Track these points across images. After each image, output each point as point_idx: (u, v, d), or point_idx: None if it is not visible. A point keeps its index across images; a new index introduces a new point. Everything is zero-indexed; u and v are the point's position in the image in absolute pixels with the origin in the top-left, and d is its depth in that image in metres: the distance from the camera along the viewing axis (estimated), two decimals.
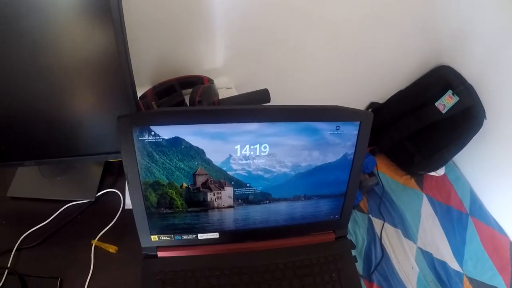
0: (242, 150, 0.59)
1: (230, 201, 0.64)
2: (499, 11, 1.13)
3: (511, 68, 1.15)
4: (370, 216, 1.24)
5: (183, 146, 0.57)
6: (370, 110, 1.35)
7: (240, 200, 0.64)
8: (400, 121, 1.31)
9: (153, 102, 0.85)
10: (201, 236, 0.67)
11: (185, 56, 0.92)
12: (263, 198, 0.65)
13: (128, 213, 0.77)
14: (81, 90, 0.65)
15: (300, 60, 1.09)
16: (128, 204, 0.78)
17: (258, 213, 0.66)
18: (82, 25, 0.56)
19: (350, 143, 0.63)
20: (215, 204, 0.64)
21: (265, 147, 0.59)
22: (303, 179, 0.64)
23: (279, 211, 0.67)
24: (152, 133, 0.56)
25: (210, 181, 0.61)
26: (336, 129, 0.61)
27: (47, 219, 0.76)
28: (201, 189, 0.62)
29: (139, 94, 0.88)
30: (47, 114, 0.67)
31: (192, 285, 0.63)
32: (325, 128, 0.60)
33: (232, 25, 0.90)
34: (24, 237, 0.73)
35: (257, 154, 0.60)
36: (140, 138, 0.56)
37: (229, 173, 0.61)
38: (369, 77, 1.27)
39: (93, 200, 0.79)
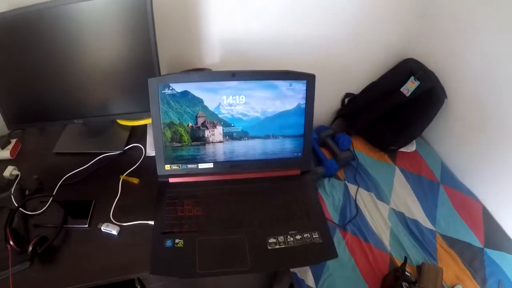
0: (227, 99, 1.07)
1: (220, 137, 1.12)
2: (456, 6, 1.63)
3: (465, 55, 1.62)
4: (346, 182, 1.67)
5: (189, 96, 1.05)
6: (346, 99, 1.89)
7: (227, 137, 1.12)
8: (372, 106, 1.79)
9: None
10: (200, 166, 1.15)
11: (191, 54, 1.44)
12: (243, 135, 1.12)
13: (147, 160, 1.26)
14: (119, 66, 1.16)
15: (285, 56, 1.58)
16: (148, 152, 1.26)
17: (240, 148, 1.14)
18: (123, 17, 1.06)
19: (301, 96, 1.10)
20: (211, 139, 1.11)
21: (242, 98, 1.07)
22: (270, 122, 1.12)
23: (255, 146, 1.14)
24: (170, 88, 1.04)
25: (207, 122, 1.10)
26: (290, 86, 1.09)
27: (86, 165, 1.23)
28: (201, 127, 1.10)
29: None
30: (92, 83, 1.18)
31: (191, 199, 1.10)
32: (282, 85, 1.08)
33: (225, 31, 1.42)
34: (67, 177, 1.19)
35: (237, 102, 1.08)
36: (162, 92, 1.04)
37: (219, 116, 1.09)
38: (345, 71, 1.79)
39: (122, 151, 1.28)
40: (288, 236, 1.04)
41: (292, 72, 1.09)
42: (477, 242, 1.57)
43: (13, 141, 1.29)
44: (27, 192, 1.16)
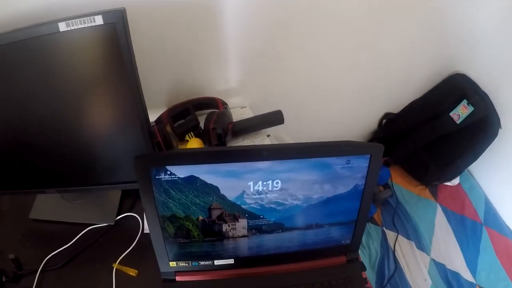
0: (255, 186, 0.62)
1: (244, 231, 0.68)
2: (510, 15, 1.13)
3: None
4: (384, 228, 1.27)
5: (198, 184, 0.61)
6: (384, 120, 1.40)
7: (254, 230, 0.68)
8: (415, 131, 1.33)
9: (168, 126, 0.89)
10: (217, 262, 0.71)
11: (198, 78, 0.95)
12: (276, 227, 0.68)
13: (147, 237, 0.80)
14: (98, 124, 0.70)
15: (314, 75, 1.11)
16: (147, 228, 0.82)
17: (271, 241, 0.70)
18: (90, 59, 0.60)
19: (360, 175, 0.66)
20: (230, 234, 0.68)
21: (277, 183, 0.63)
22: (315, 210, 0.67)
23: (291, 238, 0.70)
24: (168, 172, 0.60)
25: (225, 214, 0.65)
26: (347, 163, 0.64)
27: (69, 242, 0.80)
28: (216, 221, 0.66)
29: (155, 116, 0.93)
30: (66, 146, 0.71)
31: None
32: (336, 162, 0.63)
33: (244, 48, 0.93)
34: (48, 259, 0.78)
35: (270, 189, 0.63)
36: (157, 177, 0.60)
37: (243, 206, 0.64)
38: (382, 88, 1.28)
39: (112, 224, 0.84)
40: None
41: (351, 144, 0.63)
42: None
43: None
44: (3, 279, 0.75)
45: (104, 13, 0.55)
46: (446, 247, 1.25)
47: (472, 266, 1.23)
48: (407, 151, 1.35)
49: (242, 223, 0.67)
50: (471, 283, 1.20)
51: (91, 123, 0.70)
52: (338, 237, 0.73)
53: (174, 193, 0.62)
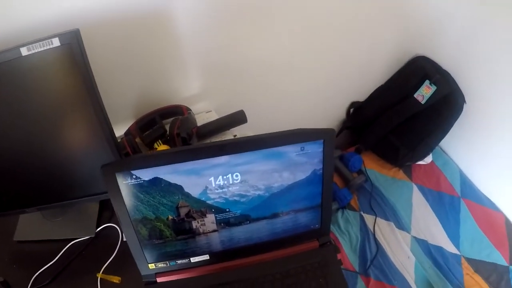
0: (216, 181, 0.66)
1: (213, 226, 0.71)
2: None
3: (485, 51, 1.21)
4: (362, 213, 1.30)
5: (162, 185, 0.65)
6: (351, 109, 1.44)
7: (222, 224, 0.72)
8: (382, 116, 1.37)
9: (137, 137, 0.93)
10: (193, 259, 0.75)
11: (162, 88, 0.99)
12: (243, 219, 0.72)
13: (127, 245, 0.85)
14: (67, 142, 0.74)
15: (275, 73, 1.15)
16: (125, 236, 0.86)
17: (241, 233, 0.73)
18: (52, 80, 0.64)
19: (317, 160, 0.70)
20: (201, 230, 0.71)
21: (236, 176, 0.67)
22: (278, 198, 0.71)
23: (260, 228, 0.74)
24: (134, 176, 0.63)
25: (192, 211, 0.69)
26: (302, 150, 0.68)
27: (54, 259, 0.84)
28: (185, 219, 0.69)
29: (124, 128, 0.97)
30: (40, 165, 0.75)
31: None
32: (291, 150, 0.67)
33: (201, 55, 0.97)
34: (35, 277, 0.81)
35: (231, 182, 0.67)
36: (124, 182, 0.64)
37: (208, 202, 0.68)
38: (347, 78, 1.33)
39: (93, 236, 0.87)
40: None
41: (304, 131, 0.68)
42: (503, 261, 1.26)
43: None
44: None
45: (60, 35, 0.59)
46: (426, 223, 1.29)
47: (454, 238, 1.27)
48: (377, 136, 1.39)
49: (210, 218, 0.70)
50: (455, 254, 1.24)
51: (60, 141, 0.74)
52: (307, 222, 0.77)
53: (142, 195, 0.65)
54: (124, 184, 0.64)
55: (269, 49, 1.08)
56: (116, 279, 0.80)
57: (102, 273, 0.81)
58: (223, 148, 0.64)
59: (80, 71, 0.63)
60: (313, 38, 1.14)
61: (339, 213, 1.30)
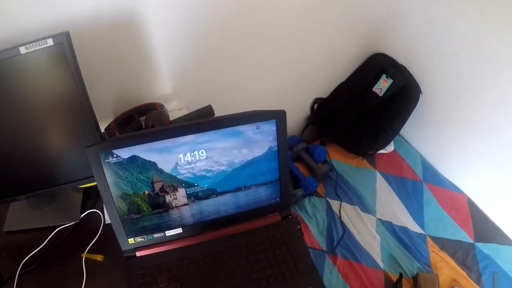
0: (184, 158, 0.82)
1: (184, 200, 0.87)
2: None
3: (437, 45, 1.41)
4: (328, 199, 1.46)
5: (139, 162, 0.80)
6: (315, 105, 1.63)
7: (192, 198, 0.87)
8: (344, 110, 1.55)
9: (116, 132, 1.09)
10: (168, 233, 0.90)
11: (138, 87, 1.15)
12: (211, 193, 0.88)
13: (108, 227, 0.99)
14: (54, 131, 0.89)
15: (244, 73, 1.33)
16: (108, 219, 1.00)
17: (209, 206, 0.89)
18: (46, 75, 0.79)
19: (272, 138, 0.86)
20: (173, 204, 0.87)
21: (202, 152, 0.83)
22: (240, 173, 0.87)
23: (226, 202, 0.90)
24: (114, 155, 0.78)
25: (165, 186, 0.84)
26: (257, 129, 0.84)
27: (42, 244, 0.97)
28: (160, 193, 0.84)
29: (104, 126, 1.12)
30: (29, 155, 0.90)
31: (166, 274, 0.85)
32: (247, 129, 0.83)
33: (170, 56, 1.13)
34: (24, 262, 0.94)
35: (197, 159, 0.83)
36: (106, 161, 0.78)
37: (179, 177, 0.84)
38: (311, 76, 1.52)
39: (78, 221, 1.02)
40: None
41: (257, 113, 0.84)
42: (467, 238, 1.43)
43: None
44: None
45: (54, 36, 0.75)
46: (391, 206, 1.45)
47: (418, 220, 1.44)
48: (340, 129, 1.57)
49: (181, 192, 0.86)
50: (420, 234, 1.40)
51: (51, 131, 0.89)
52: (268, 196, 0.93)
53: (121, 172, 0.80)
54: (106, 163, 0.79)
55: (234, 51, 1.25)
56: (99, 257, 0.95)
57: (87, 253, 0.96)
58: (189, 128, 0.80)
59: (70, 67, 0.79)
60: (277, 39, 1.31)
61: (306, 200, 1.45)
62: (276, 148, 0.88)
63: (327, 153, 1.55)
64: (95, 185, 1.04)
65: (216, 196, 0.89)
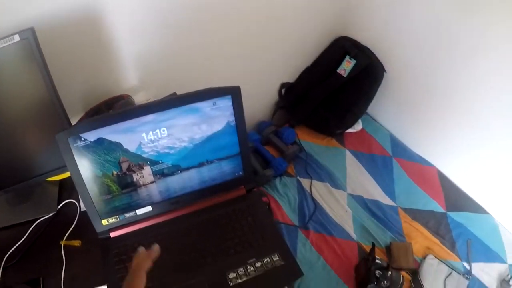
0: (147, 136, 0.90)
1: (151, 178, 0.95)
2: None
3: (398, 24, 1.52)
4: (298, 178, 1.53)
5: (105, 143, 0.88)
6: (283, 90, 1.73)
7: (158, 175, 0.95)
8: (311, 93, 1.64)
9: None
10: (138, 211, 0.98)
11: (106, 82, 1.23)
12: (175, 169, 0.96)
13: (84, 215, 1.05)
14: (25, 125, 0.96)
15: (209, 61, 1.41)
16: (83, 207, 1.07)
17: (175, 183, 0.98)
18: (14, 70, 0.86)
19: (229, 113, 0.95)
20: (141, 182, 0.95)
21: (163, 130, 0.91)
22: (201, 148, 0.96)
23: (191, 177, 0.98)
24: (82, 139, 0.86)
25: (132, 165, 0.92)
26: (214, 105, 0.93)
27: (23, 238, 1.04)
28: (127, 173, 0.92)
29: (75, 121, 1.21)
30: (5, 150, 0.97)
31: None
32: (205, 106, 0.92)
33: (138, 49, 1.21)
34: (7, 257, 1.01)
35: (160, 137, 0.91)
36: (75, 145, 0.86)
37: (143, 155, 0.92)
38: (277, 62, 1.61)
39: (55, 212, 1.09)
40: (248, 266, 0.91)
41: (213, 89, 0.93)
42: (439, 208, 1.51)
43: None
44: None
45: (20, 32, 0.82)
46: (361, 182, 1.53)
47: (389, 193, 1.51)
48: (307, 111, 1.65)
49: (147, 170, 0.94)
50: (392, 206, 1.48)
51: (21, 124, 0.96)
52: (231, 170, 1.02)
53: (90, 155, 0.87)
54: (75, 147, 0.86)
55: (198, 40, 1.32)
56: (77, 243, 1.02)
57: (65, 240, 1.03)
58: (148, 107, 0.88)
59: (37, 60, 0.87)
60: (241, 27, 1.39)
61: (277, 180, 1.51)
62: (234, 122, 0.96)
63: (296, 135, 1.64)
64: (70, 178, 1.14)
65: (181, 172, 0.97)
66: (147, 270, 0.73)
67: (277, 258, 0.92)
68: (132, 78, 1.26)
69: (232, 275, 0.90)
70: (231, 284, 0.89)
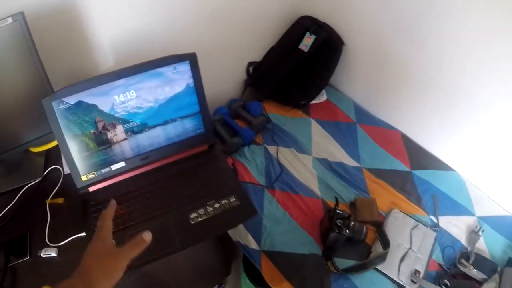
0: (119, 98, 1.07)
1: (123, 135, 1.12)
2: None
3: (353, 2, 1.69)
4: (265, 145, 1.67)
5: (84, 105, 1.04)
6: (251, 68, 1.90)
7: (129, 133, 1.12)
8: (276, 69, 1.81)
9: None
10: (113, 167, 1.14)
11: (87, 65, 1.39)
12: (144, 127, 1.13)
13: (67, 177, 1.23)
14: (16, 97, 1.12)
15: (181, 41, 1.56)
16: (66, 170, 1.24)
17: (145, 140, 1.15)
18: (8, 48, 1.02)
19: (187, 76, 1.12)
20: (114, 139, 1.11)
21: (132, 93, 1.07)
22: (166, 108, 1.13)
23: (158, 134, 1.15)
24: (64, 102, 1.01)
25: (106, 124, 1.09)
26: (175, 69, 1.10)
27: (12, 201, 1.19)
28: (102, 131, 1.09)
29: None
30: None
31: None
32: (166, 70, 1.09)
33: (112, 30, 1.38)
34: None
35: (129, 98, 1.08)
36: (58, 108, 1.01)
37: (116, 115, 1.08)
38: (244, 42, 1.79)
39: (42, 177, 1.25)
40: (208, 207, 1.08)
41: (172, 56, 1.10)
42: (404, 167, 1.63)
43: None
44: None
45: (12, 15, 0.99)
46: (326, 146, 1.67)
47: (354, 156, 1.65)
48: (273, 86, 1.82)
49: (120, 128, 1.10)
50: (357, 167, 1.61)
51: (13, 97, 1.11)
52: (193, 127, 1.19)
53: (71, 116, 1.03)
54: (58, 110, 1.02)
55: (167, 21, 1.48)
56: (60, 200, 1.17)
57: (50, 199, 1.18)
58: (119, 73, 1.05)
59: (26, 41, 1.04)
60: (208, 7, 1.54)
61: (246, 148, 1.65)
62: (193, 84, 1.13)
63: (263, 108, 1.79)
64: (55, 147, 1.31)
65: (149, 129, 1.14)
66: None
67: (234, 199, 1.09)
68: (109, 61, 1.43)
69: (193, 215, 1.06)
70: (192, 222, 1.05)
